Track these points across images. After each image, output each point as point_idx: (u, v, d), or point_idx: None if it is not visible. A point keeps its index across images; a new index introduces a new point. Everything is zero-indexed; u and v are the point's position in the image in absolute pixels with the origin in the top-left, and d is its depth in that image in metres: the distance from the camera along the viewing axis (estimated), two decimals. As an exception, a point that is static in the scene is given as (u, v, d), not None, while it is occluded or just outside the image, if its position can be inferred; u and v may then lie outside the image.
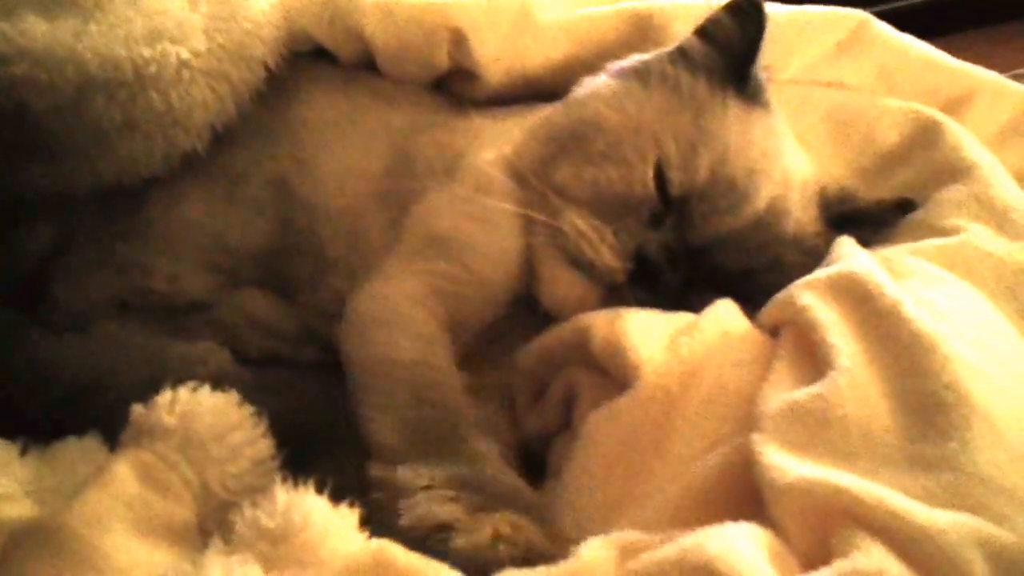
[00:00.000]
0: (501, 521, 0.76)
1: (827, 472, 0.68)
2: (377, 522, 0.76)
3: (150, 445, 0.81)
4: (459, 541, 0.75)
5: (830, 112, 1.21)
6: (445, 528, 0.76)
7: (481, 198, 1.01)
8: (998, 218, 1.00)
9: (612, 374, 0.89)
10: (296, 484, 0.75)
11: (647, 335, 0.88)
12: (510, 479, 0.85)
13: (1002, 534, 0.63)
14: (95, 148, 1.06)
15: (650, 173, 0.97)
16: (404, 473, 0.81)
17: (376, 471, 0.84)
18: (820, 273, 0.89)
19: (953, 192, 1.04)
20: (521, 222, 1.01)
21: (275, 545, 0.70)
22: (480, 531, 0.76)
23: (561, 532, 0.79)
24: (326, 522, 0.72)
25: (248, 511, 0.73)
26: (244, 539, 0.71)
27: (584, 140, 1.01)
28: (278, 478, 0.77)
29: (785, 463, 0.70)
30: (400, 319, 0.97)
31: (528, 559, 0.73)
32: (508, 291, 1.02)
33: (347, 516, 0.74)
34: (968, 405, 0.71)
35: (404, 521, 0.77)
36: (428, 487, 0.80)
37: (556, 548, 0.75)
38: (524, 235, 1.01)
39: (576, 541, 0.72)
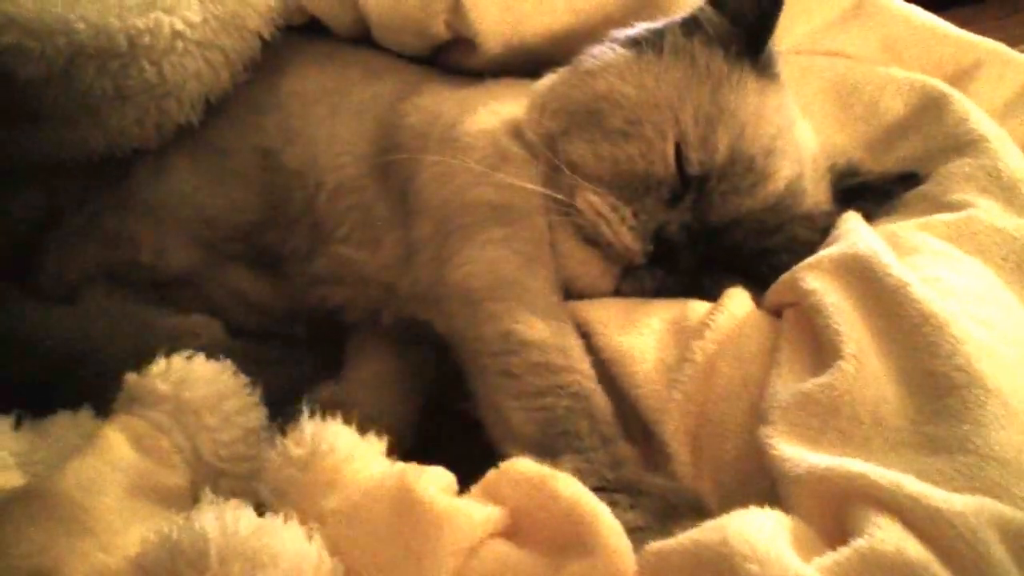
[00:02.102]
0: None
1: (840, 460, 0.67)
2: None
3: (143, 412, 0.81)
4: None
5: (834, 82, 1.20)
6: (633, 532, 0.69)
7: (496, 172, 0.98)
8: (1006, 192, 0.99)
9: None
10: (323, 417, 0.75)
11: (647, 350, 0.85)
12: (662, 481, 0.80)
13: (1018, 515, 0.62)
14: (85, 118, 1.05)
15: (670, 151, 0.95)
16: (561, 468, 0.74)
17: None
18: (824, 254, 0.88)
19: (961, 165, 1.03)
20: (540, 196, 0.98)
21: (303, 471, 0.72)
22: None
23: None
24: (351, 447, 0.73)
25: (277, 443, 0.74)
26: (277, 471, 0.73)
27: (599, 115, 0.98)
28: (306, 411, 0.76)
29: (797, 454, 0.69)
30: (518, 291, 0.91)
31: None
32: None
33: (373, 443, 0.75)
34: (980, 385, 0.70)
35: None
36: (598, 488, 0.74)
37: None
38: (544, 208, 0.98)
39: None
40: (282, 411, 0.87)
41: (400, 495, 0.68)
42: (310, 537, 0.67)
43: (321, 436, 0.73)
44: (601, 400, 0.84)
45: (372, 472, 0.72)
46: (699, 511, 0.73)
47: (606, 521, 0.66)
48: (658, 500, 0.76)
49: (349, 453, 0.73)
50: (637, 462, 0.80)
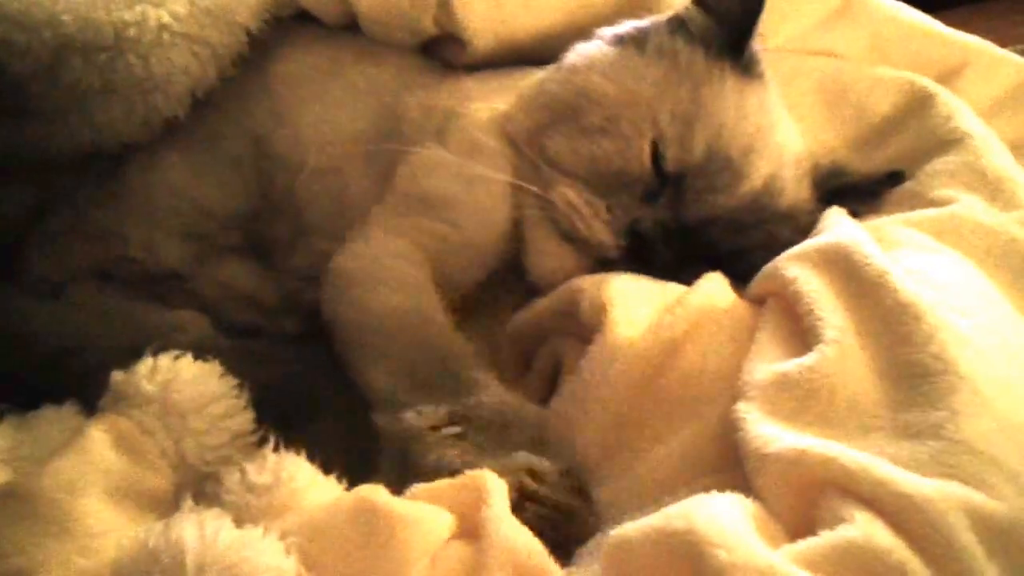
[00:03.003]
0: (523, 473, 0.75)
1: (813, 441, 0.67)
2: (393, 472, 0.77)
3: (128, 412, 0.80)
4: None
5: (821, 81, 1.20)
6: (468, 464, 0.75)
7: (471, 163, 0.99)
8: (990, 188, 0.99)
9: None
10: (285, 448, 0.76)
11: (632, 307, 0.86)
12: (513, 398, 0.84)
13: (989, 502, 0.62)
14: (73, 112, 1.04)
15: (647, 149, 0.96)
16: (408, 416, 0.80)
17: (380, 419, 0.83)
18: (807, 244, 0.88)
19: (946, 162, 1.03)
20: (511, 190, 0.99)
21: (262, 497, 0.71)
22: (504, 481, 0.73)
23: (577, 471, 0.79)
24: (312, 477, 0.73)
25: (237, 472, 0.74)
26: (233, 495, 0.72)
27: (579, 111, 0.99)
28: (271, 441, 0.77)
29: (770, 432, 0.69)
30: (385, 273, 0.95)
31: (555, 519, 0.73)
32: (495, 256, 1.01)
33: (333, 481, 0.75)
34: (956, 373, 0.70)
35: (421, 470, 0.76)
36: (435, 427, 0.79)
37: (580, 504, 0.75)
38: (514, 203, 0.99)
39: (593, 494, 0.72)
40: (268, 409, 0.88)
41: (359, 504, 0.68)
42: (288, 552, 0.66)
43: (283, 466, 0.73)
44: (456, 344, 0.90)
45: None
46: (536, 444, 0.79)
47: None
48: (495, 431, 0.80)
49: (309, 484, 0.73)
50: (487, 388, 0.84)
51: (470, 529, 0.68)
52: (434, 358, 0.87)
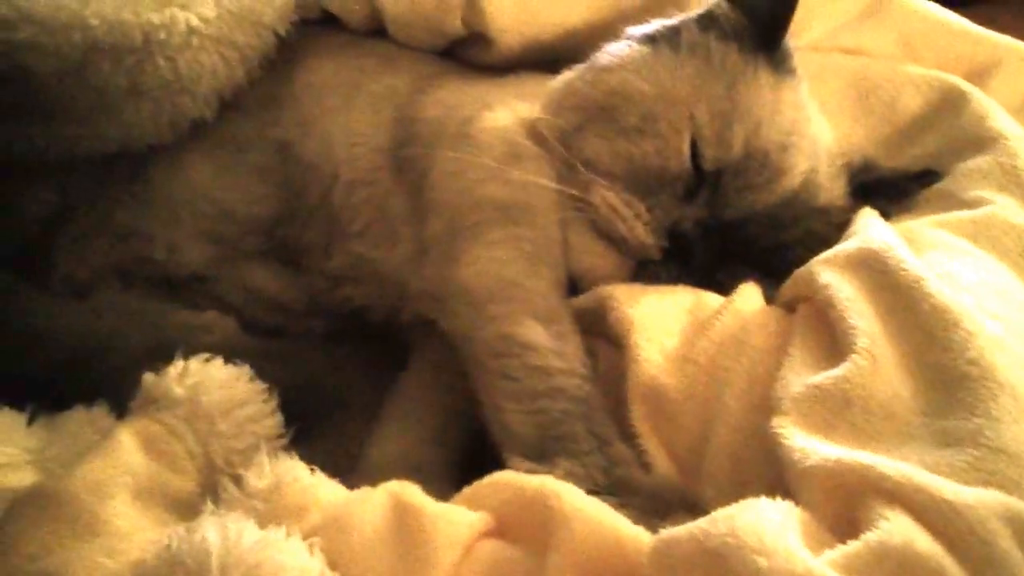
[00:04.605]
0: None
1: (851, 452, 0.67)
2: None
3: (157, 415, 0.81)
4: None
5: (852, 79, 1.19)
6: None
7: (511, 168, 0.98)
8: (1024, 189, 0.97)
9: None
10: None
11: (657, 336, 0.85)
12: (660, 481, 0.80)
13: (1029, 510, 0.61)
14: (100, 114, 1.05)
15: (685, 147, 0.95)
16: (555, 473, 0.76)
17: (519, 467, 0.79)
18: (840, 248, 0.88)
19: (979, 163, 1.02)
20: (554, 192, 0.98)
21: (267, 500, 0.71)
22: None
23: None
24: (313, 478, 0.74)
25: (236, 480, 0.74)
26: (236, 504, 0.72)
27: (615, 112, 0.98)
28: (263, 447, 0.78)
29: (808, 445, 0.68)
30: (520, 293, 0.91)
31: None
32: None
33: (334, 482, 0.75)
34: (993, 379, 0.69)
35: None
36: (592, 492, 0.73)
37: None
38: (559, 205, 0.98)
39: None
40: (294, 410, 0.88)
41: (390, 501, 0.68)
42: (312, 551, 0.66)
43: (283, 469, 0.73)
44: (597, 403, 0.84)
45: (343, 494, 0.73)
46: (688, 507, 0.73)
47: (569, 504, 0.67)
48: (648, 499, 0.76)
49: (314, 481, 0.73)
50: (632, 463, 0.80)
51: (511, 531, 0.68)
52: (576, 412, 0.82)
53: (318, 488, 0.72)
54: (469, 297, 0.92)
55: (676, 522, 0.66)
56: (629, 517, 0.69)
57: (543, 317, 0.88)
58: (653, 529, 0.66)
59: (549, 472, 0.75)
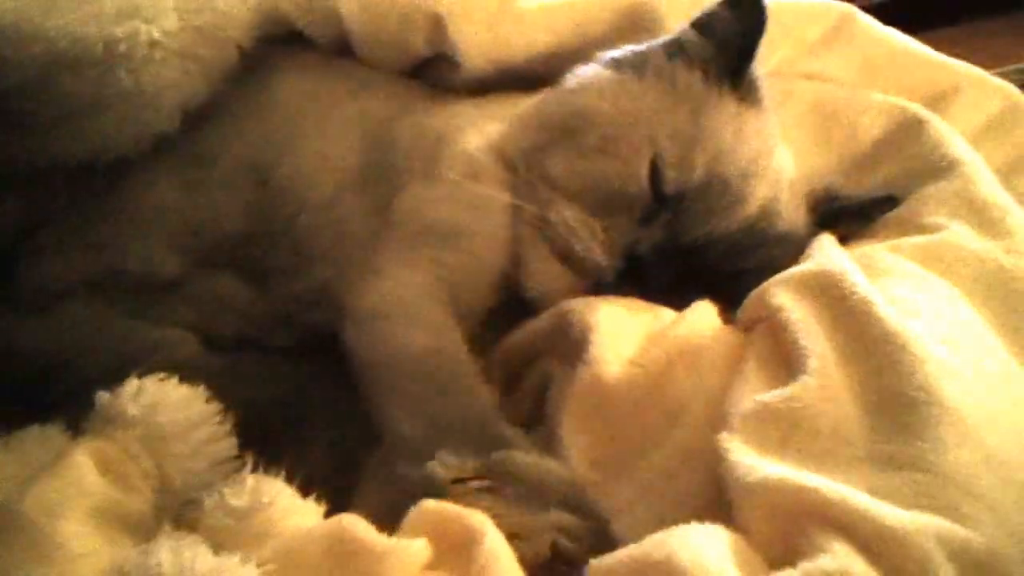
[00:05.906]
0: (557, 532, 0.72)
1: (794, 472, 0.67)
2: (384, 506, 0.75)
3: (112, 434, 0.79)
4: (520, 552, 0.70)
5: (813, 105, 1.20)
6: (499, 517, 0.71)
7: (470, 185, 0.99)
8: (979, 216, 0.98)
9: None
10: (265, 471, 0.75)
11: (617, 336, 0.86)
12: (544, 461, 0.80)
13: (969, 535, 0.62)
14: (63, 127, 1.04)
15: (645, 170, 0.96)
16: (432, 466, 0.76)
17: (403, 468, 0.79)
18: (795, 270, 0.89)
19: (935, 189, 1.03)
20: (510, 210, 0.99)
21: (240, 521, 0.71)
22: (539, 540, 0.71)
23: (608, 527, 0.76)
24: (291, 504, 0.73)
25: (216, 494, 0.73)
26: (211, 519, 0.72)
27: (577, 132, 0.99)
28: (249, 463, 0.77)
29: (752, 462, 0.69)
30: (410, 311, 0.93)
31: None
32: (502, 277, 1.00)
33: (312, 505, 0.74)
34: (939, 405, 0.70)
35: None
36: (460, 480, 0.75)
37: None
38: (513, 223, 0.99)
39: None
40: (256, 428, 0.87)
41: (336, 534, 0.67)
42: None
43: (262, 490, 0.73)
44: (483, 391, 0.86)
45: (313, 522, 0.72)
46: (574, 507, 0.74)
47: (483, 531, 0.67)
48: (531, 488, 0.76)
49: (288, 508, 0.72)
50: (520, 446, 0.80)
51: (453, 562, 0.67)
52: (460, 406, 0.84)
53: (290, 515, 0.72)
54: (360, 314, 0.94)
55: (560, 519, 0.70)
56: (497, 504, 0.71)
57: (429, 327, 0.91)
58: (519, 519, 0.69)
59: (427, 464, 0.76)
